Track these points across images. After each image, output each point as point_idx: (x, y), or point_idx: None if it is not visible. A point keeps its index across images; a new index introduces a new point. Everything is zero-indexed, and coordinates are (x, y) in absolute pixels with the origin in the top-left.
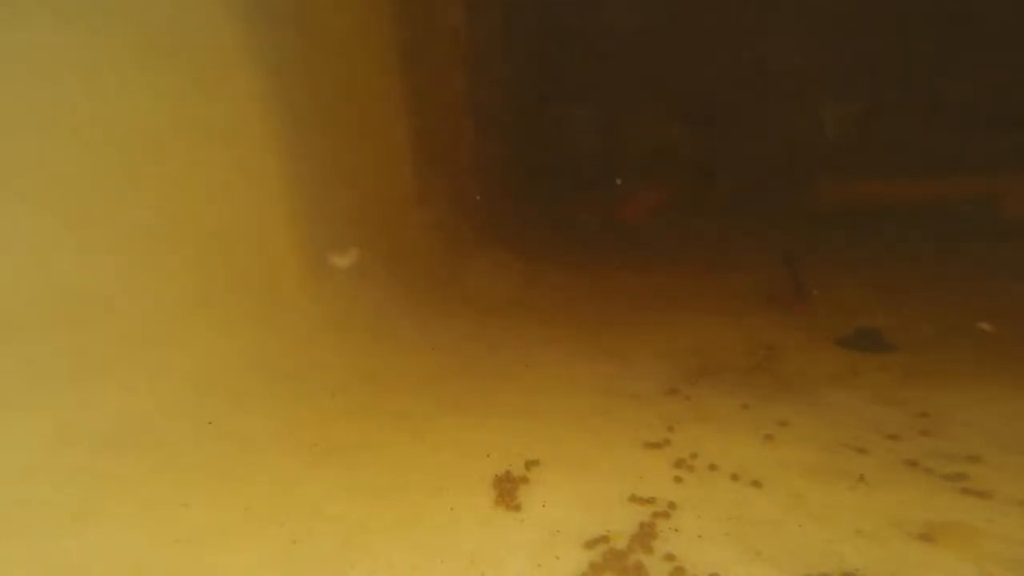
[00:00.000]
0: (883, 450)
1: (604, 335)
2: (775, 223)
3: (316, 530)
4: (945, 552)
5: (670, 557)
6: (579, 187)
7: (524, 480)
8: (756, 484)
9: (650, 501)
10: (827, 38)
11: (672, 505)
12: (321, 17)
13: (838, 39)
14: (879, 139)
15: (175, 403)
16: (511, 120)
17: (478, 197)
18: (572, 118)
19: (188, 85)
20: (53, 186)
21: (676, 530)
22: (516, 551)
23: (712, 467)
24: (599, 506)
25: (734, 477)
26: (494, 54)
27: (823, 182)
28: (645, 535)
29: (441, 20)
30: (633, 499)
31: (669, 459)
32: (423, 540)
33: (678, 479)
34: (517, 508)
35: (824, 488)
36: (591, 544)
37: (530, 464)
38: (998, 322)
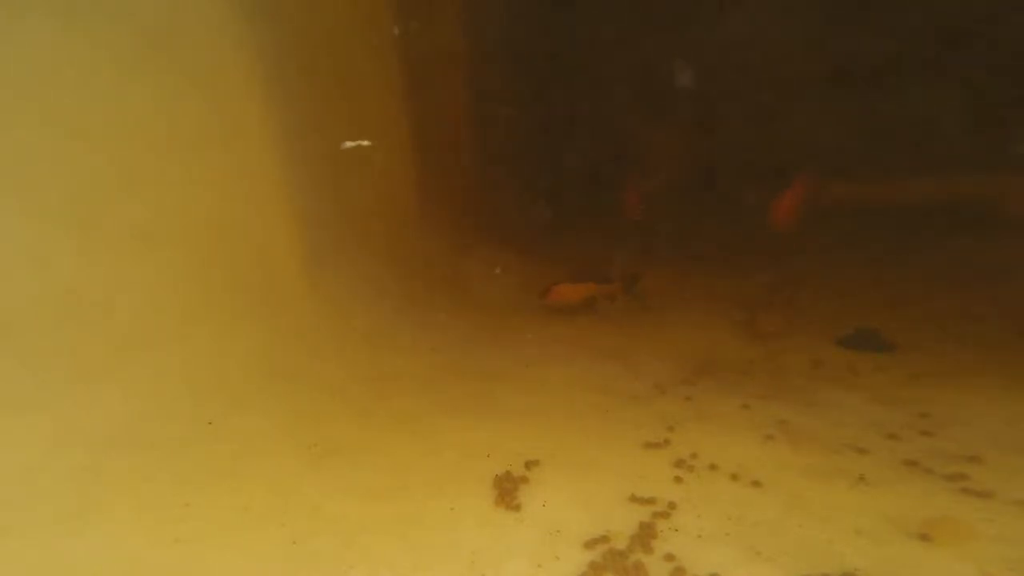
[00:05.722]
0: (883, 450)
1: (604, 335)
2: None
3: (316, 530)
4: (945, 552)
5: (670, 557)
6: (580, 187)
7: (524, 480)
8: (756, 484)
9: (650, 501)
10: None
11: (672, 505)
12: (320, 16)
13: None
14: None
15: (174, 403)
16: (512, 118)
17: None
18: (572, 116)
19: (187, 85)
20: (52, 186)
21: (676, 530)
22: (516, 551)
23: (712, 467)
24: (599, 506)
25: (734, 477)
26: (495, 52)
27: (823, 182)
28: (645, 535)
29: (441, 18)
30: (633, 499)
31: (669, 459)
32: (423, 540)
33: (678, 479)
34: (517, 508)
35: (824, 488)
36: (591, 544)
37: (530, 464)
38: (997, 322)
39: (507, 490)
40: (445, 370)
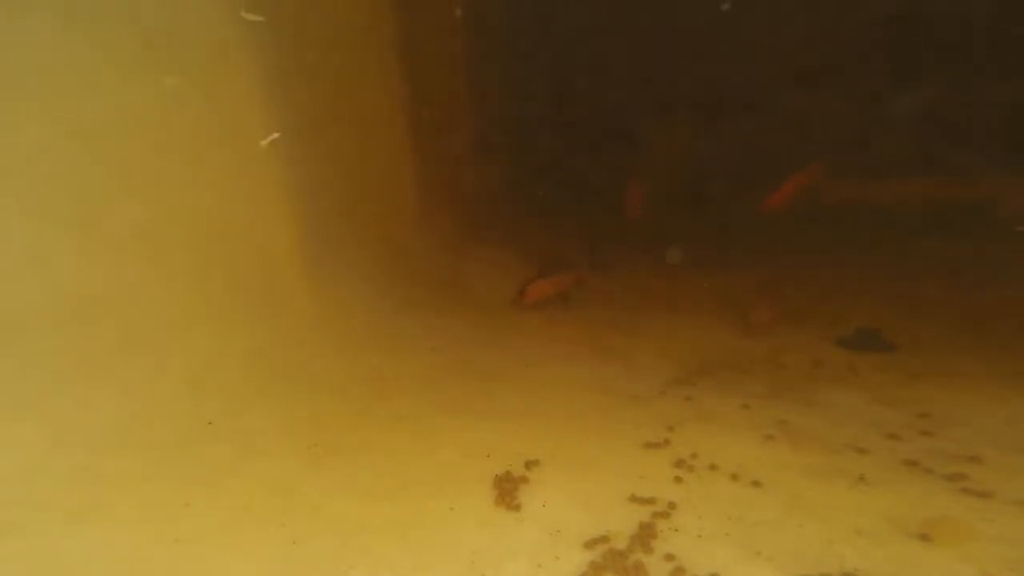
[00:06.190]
0: (883, 450)
1: (604, 335)
2: (772, 222)
3: (316, 530)
4: (944, 552)
5: (670, 557)
6: (581, 186)
7: (524, 480)
8: (756, 484)
9: (650, 501)
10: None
11: (672, 505)
12: (321, 17)
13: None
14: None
15: (174, 404)
16: (512, 117)
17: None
18: (573, 115)
19: (187, 85)
20: (53, 187)
21: (676, 530)
22: (516, 551)
23: (712, 467)
24: (599, 506)
25: (734, 477)
26: (494, 51)
27: (824, 179)
28: (645, 535)
29: (441, 18)
30: (633, 499)
31: (669, 459)
32: (423, 540)
33: (678, 479)
34: (517, 508)
35: (824, 488)
36: (591, 544)
37: (530, 464)
38: (997, 322)
39: (507, 490)
40: (445, 370)
